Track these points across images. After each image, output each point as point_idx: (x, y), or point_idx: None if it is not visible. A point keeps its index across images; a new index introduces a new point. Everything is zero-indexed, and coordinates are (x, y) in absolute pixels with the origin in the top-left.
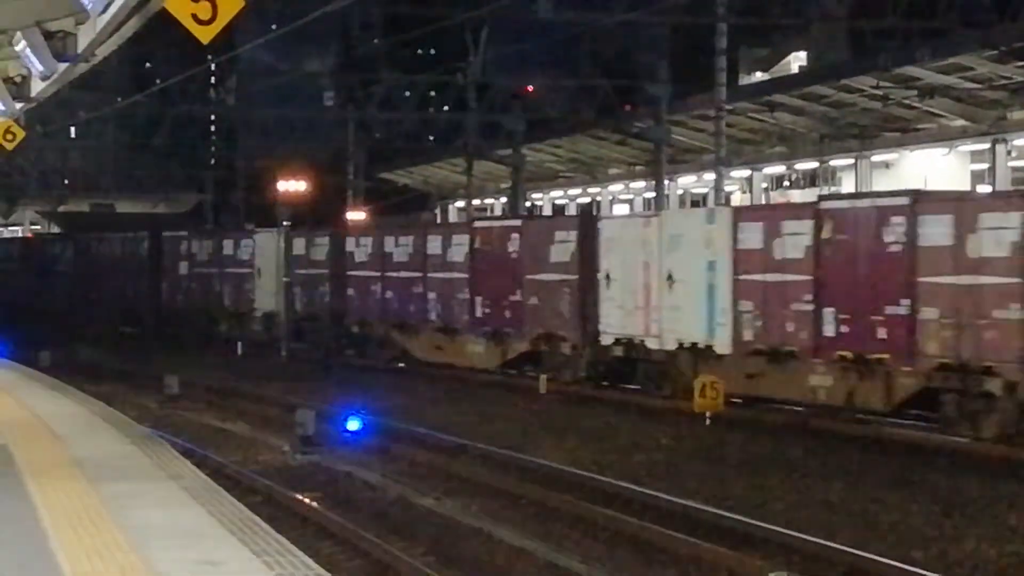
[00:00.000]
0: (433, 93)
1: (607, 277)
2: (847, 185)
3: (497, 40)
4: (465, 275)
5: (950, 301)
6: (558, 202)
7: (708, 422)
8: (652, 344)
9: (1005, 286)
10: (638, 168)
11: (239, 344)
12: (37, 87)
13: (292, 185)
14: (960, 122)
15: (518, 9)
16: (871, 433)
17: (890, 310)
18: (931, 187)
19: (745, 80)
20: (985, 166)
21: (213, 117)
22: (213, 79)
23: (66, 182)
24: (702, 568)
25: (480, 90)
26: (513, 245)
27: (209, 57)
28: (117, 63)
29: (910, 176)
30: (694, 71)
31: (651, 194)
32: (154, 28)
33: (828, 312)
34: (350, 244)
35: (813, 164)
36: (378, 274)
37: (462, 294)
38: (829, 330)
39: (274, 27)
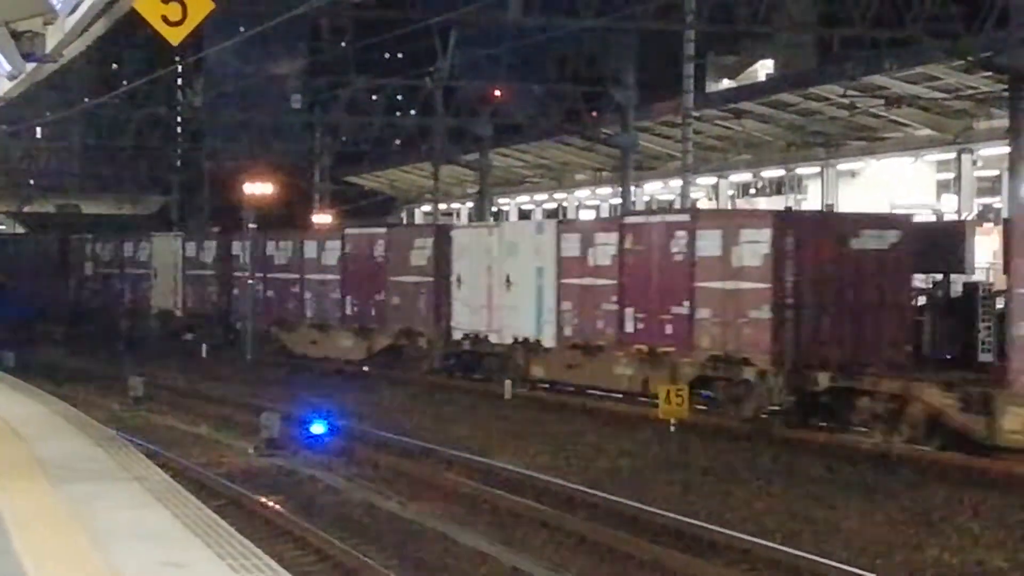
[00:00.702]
0: (400, 97)
1: (458, 280)
2: (813, 193)
3: (465, 44)
4: (337, 277)
5: (719, 303)
6: (524, 207)
7: (673, 429)
8: (494, 339)
9: (758, 290)
10: (605, 174)
11: (203, 347)
12: (4, 87)
13: (258, 187)
14: (926, 131)
15: (487, 14)
16: (835, 441)
17: (675, 310)
18: (897, 197)
19: (712, 87)
20: (951, 175)
21: (180, 119)
22: (180, 81)
23: (32, 182)
24: (665, 574)
25: (447, 94)
26: (379, 250)
27: (176, 59)
28: (84, 63)
29: (876, 184)
30: (662, 78)
31: (618, 200)
32: (122, 29)
33: (629, 312)
34: (236, 248)
35: (780, 172)
36: (260, 275)
37: (334, 294)
38: (629, 327)
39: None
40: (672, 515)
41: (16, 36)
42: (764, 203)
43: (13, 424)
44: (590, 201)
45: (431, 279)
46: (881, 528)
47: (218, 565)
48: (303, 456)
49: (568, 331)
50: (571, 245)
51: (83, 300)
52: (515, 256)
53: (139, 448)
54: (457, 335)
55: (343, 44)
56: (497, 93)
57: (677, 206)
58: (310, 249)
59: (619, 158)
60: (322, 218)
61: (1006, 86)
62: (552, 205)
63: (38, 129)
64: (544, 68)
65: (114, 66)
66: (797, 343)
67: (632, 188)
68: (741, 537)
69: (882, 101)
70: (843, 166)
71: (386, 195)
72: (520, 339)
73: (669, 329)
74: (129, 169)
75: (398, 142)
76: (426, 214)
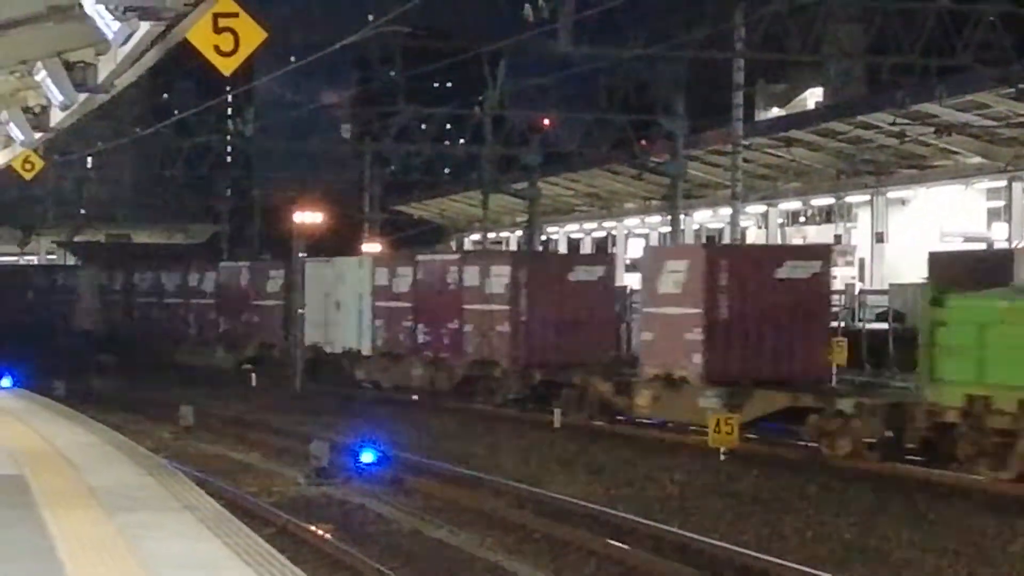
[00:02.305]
0: (449, 126)
1: (304, 303)
2: (863, 221)
3: (515, 73)
4: (213, 301)
5: (478, 320)
6: (574, 236)
7: (723, 457)
8: (328, 349)
9: (502, 311)
10: (654, 202)
11: (252, 376)
12: (56, 117)
13: (308, 216)
14: (977, 159)
15: (536, 43)
16: (886, 471)
17: (450, 326)
18: (948, 225)
19: (762, 115)
20: (1002, 203)
21: (230, 148)
22: (230, 110)
23: (83, 212)
24: None
25: (496, 123)
26: (244, 280)
27: (227, 88)
28: (135, 93)
29: (926, 212)
30: (711, 106)
31: (667, 228)
32: (173, 59)
33: (420, 327)
34: (136, 278)
35: (829, 200)
36: (156, 300)
37: (211, 315)
38: (421, 339)
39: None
40: (723, 544)
41: (68, 66)
42: (814, 232)
43: (65, 452)
44: (639, 230)
45: (282, 303)
46: (932, 557)
47: None
48: (353, 485)
49: (379, 342)
50: (382, 276)
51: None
52: (343, 284)
53: (190, 477)
54: (308, 345)
55: (392, 73)
56: (546, 122)
57: (727, 234)
58: (194, 278)
59: (668, 186)
60: (372, 247)
61: None
62: (601, 234)
63: (89, 159)
64: (593, 96)
65: (164, 96)
66: (527, 349)
67: (682, 216)
68: (791, 566)
69: (932, 129)
70: (892, 194)
71: (436, 223)
72: (347, 348)
73: (447, 340)
74: (179, 198)
75: (447, 171)
76: (475, 243)
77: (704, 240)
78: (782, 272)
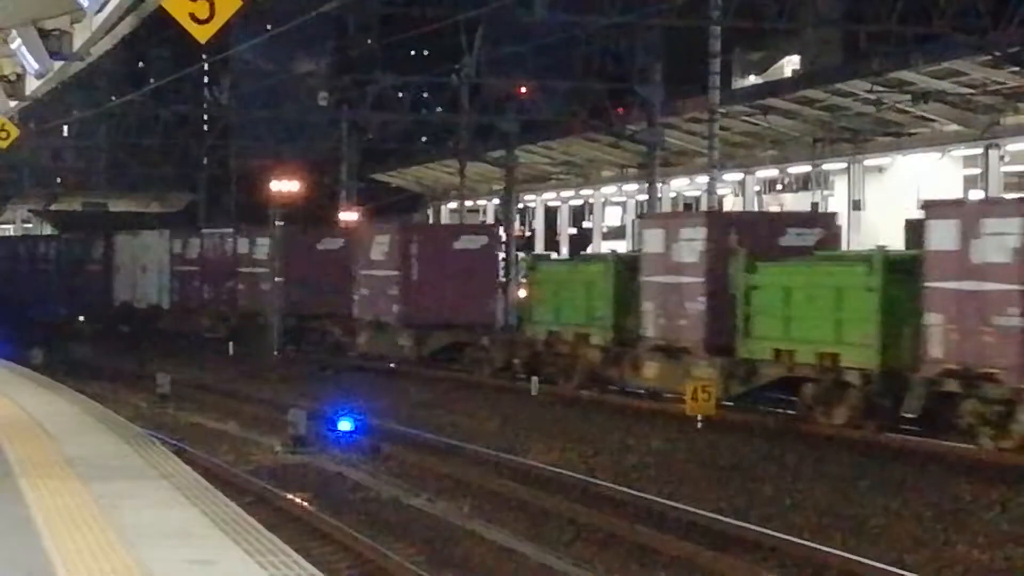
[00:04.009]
0: (427, 94)
1: (118, 267)
2: (840, 189)
3: (491, 41)
4: (100, 268)
5: (249, 280)
6: (551, 204)
7: (700, 425)
8: (136, 304)
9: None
10: (631, 171)
11: (230, 344)
12: (32, 85)
13: (285, 185)
14: (953, 127)
15: (513, 11)
16: (863, 437)
17: (228, 284)
18: (924, 192)
19: (739, 83)
20: (978, 171)
21: (206, 117)
22: (207, 79)
23: (59, 180)
24: (693, 571)
25: (473, 91)
26: (97, 252)
27: (203, 56)
28: (111, 62)
29: (903, 180)
30: (688, 74)
31: (644, 196)
32: (149, 27)
33: (207, 287)
34: (61, 244)
35: (806, 168)
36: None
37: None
38: (207, 296)
39: (269, 27)
40: (701, 511)
41: (44, 34)
42: (791, 199)
43: (42, 421)
44: (616, 198)
45: (100, 268)
46: (909, 524)
47: (246, 562)
48: (330, 453)
49: (176, 298)
50: (177, 246)
51: None
52: (148, 252)
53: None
54: (116, 302)
55: (369, 41)
56: (523, 90)
57: (704, 202)
58: (97, 249)
59: (645, 154)
60: (349, 215)
61: None
62: (579, 202)
63: (65, 127)
64: (570, 64)
65: (140, 64)
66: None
67: (659, 184)
68: (768, 533)
69: (909, 97)
70: (870, 162)
71: (412, 192)
72: (152, 304)
73: (226, 296)
74: (156, 167)
75: (424, 139)
76: (452, 211)
77: (680, 207)
78: (459, 244)
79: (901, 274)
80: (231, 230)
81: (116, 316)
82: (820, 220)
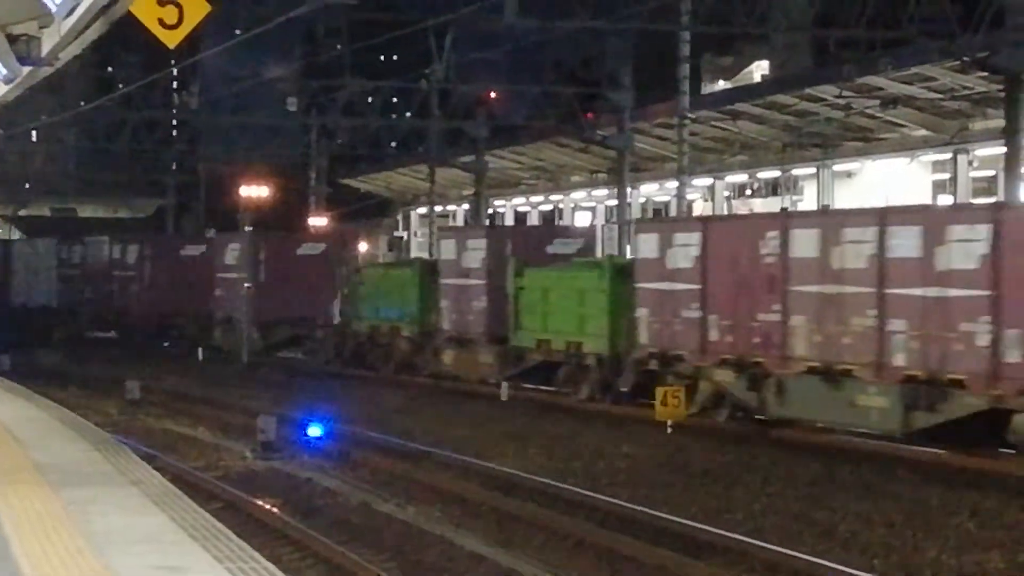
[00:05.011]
0: (396, 99)
1: (15, 271)
2: (809, 194)
3: (461, 47)
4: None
5: (124, 283)
6: (520, 209)
7: (670, 431)
8: (31, 305)
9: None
10: (601, 176)
11: (199, 350)
12: None
13: (254, 190)
14: (922, 132)
15: (483, 16)
16: (834, 443)
17: (106, 287)
18: (893, 197)
19: (708, 88)
20: (947, 176)
21: (175, 122)
22: (176, 84)
23: (28, 186)
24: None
25: (443, 97)
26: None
27: (172, 62)
28: (80, 67)
29: (871, 185)
30: (657, 79)
31: (613, 202)
32: (117, 32)
33: (87, 288)
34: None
35: (775, 173)
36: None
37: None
38: (87, 295)
39: (238, 32)
40: (671, 517)
41: (12, 40)
42: (760, 204)
43: (10, 427)
44: (586, 203)
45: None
46: (879, 529)
47: (216, 568)
48: (300, 459)
49: (64, 299)
50: (63, 252)
51: None
52: (38, 257)
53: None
54: (15, 303)
55: (339, 47)
56: (493, 95)
57: (673, 207)
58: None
59: (615, 160)
60: (318, 220)
61: (1001, 86)
62: (548, 207)
63: (33, 133)
64: (540, 70)
65: (109, 69)
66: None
67: (629, 189)
68: (739, 539)
69: (878, 102)
70: (839, 167)
71: (382, 197)
72: (42, 304)
73: (104, 297)
74: (125, 172)
75: (394, 144)
76: (422, 216)
77: (650, 213)
78: (301, 251)
79: (625, 277)
80: (106, 239)
81: (13, 316)
82: (580, 232)
